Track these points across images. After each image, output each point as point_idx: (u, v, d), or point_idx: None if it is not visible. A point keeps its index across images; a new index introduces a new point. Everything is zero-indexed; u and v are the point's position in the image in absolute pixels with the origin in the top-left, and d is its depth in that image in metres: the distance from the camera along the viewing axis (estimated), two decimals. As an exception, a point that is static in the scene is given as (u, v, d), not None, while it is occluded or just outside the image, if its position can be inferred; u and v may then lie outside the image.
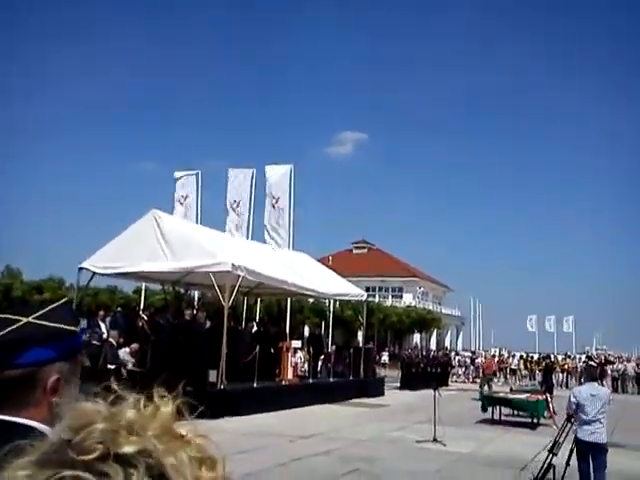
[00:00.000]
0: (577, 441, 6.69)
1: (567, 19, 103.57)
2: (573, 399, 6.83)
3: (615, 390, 29.72)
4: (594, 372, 7.45)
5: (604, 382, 30.40)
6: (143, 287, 23.56)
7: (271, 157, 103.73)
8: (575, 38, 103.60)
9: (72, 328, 1.21)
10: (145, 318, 14.42)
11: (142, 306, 20.19)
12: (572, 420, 6.79)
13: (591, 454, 6.62)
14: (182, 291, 19.91)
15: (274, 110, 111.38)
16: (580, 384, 17.11)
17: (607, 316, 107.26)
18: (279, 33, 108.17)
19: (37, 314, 1.17)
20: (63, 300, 1.27)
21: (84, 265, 14.76)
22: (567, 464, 6.75)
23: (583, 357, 37.37)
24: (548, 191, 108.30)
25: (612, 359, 35.77)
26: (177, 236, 14.36)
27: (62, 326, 1.18)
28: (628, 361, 33.08)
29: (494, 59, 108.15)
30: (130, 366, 12.20)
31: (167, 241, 14.09)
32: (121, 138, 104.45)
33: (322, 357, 20.04)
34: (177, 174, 23.87)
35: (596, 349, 58.96)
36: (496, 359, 29.64)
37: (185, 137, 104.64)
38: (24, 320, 1.15)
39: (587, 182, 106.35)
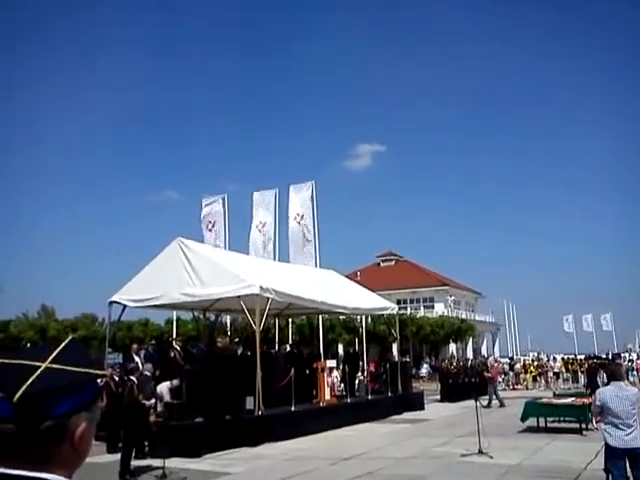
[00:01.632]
0: (609, 448, 6.23)
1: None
2: (598, 402, 6.39)
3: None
4: (619, 371, 6.96)
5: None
6: (174, 317, 23.66)
7: (290, 175, 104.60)
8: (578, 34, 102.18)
9: (99, 372, 1.14)
10: (177, 348, 14.38)
11: (174, 336, 20.23)
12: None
13: (628, 461, 6.14)
14: (213, 318, 19.91)
15: (290, 128, 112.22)
16: (595, 384, 16.61)
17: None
18: (293, 46, 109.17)
19: (51, 357, 1.09)
20: (69, 339, 1.19)
21: (114, 299, 14.85)
22: (606, 471, 6.41)
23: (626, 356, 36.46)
24: (574, 186, 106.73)
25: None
26: (204, 262, 14.37)
27: (88, 370, 1.11)
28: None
29: (509, 60, 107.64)
30: (167, 399, 12.15)
31: (194, 268, 14.11)
32: (139, 168, 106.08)
33: (359, 375, 19.81)
34: (205, 201, 24.06)
35: (639, 345, 57.45)
36: (499, 365, 28.96)
37: (203, 163, 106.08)
38: (43, 366, 1.08)
39: (614, 175, 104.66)
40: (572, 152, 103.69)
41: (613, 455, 6.27)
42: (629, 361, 31.91)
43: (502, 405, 20.45)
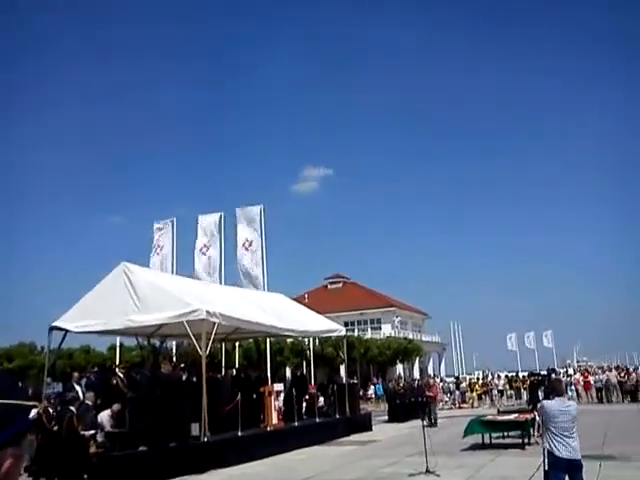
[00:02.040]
0: (554, 459, 6.48)
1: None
2: (543, 413, 6.69)
3: (600, 400, 29.82)
4: (560, 386, 7.31)
5: (589, 394, 30.63)
6: (117, 343, 23.07)
7: (238, 199, 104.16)
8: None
9: (27, 404, 1.08)
10: (121, 375, 13.99)
11: (117, 363, 19.68)
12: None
13: (568, 472, 6.43)
14: (158, 343, 19.48)
15: (238, 152, 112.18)
16: (536, 399, 17.08)
17: (585, 328, 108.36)
18: (242, 72, 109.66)
19: None
20: None
21: (56, 324, 14.35)
22: None
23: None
24: (517, 206, 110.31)
25: (594, 370, 35.97)
26: (148, 287, 14.10)
27: (15, 402, 1.05)
28: (610, 370, 33.19)
29: (453, 82, 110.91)
30: (108, 428, 11.75)
31: (138, 294, 13.83)
32: (84, 192, 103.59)
33: (306, 397, 19.68)
34: (156, 225, 23.70)
35: (577, 361, 59.35)
36: (438, 383, 29.57)
37: (150, 187, 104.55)
38: None
39: (556, 197, 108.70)
40: (509, 172, 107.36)
41: (557, 467, 6.48)
42: (567, 376, 32.85)
43: (435, 425, 20.56)
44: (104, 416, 12.02)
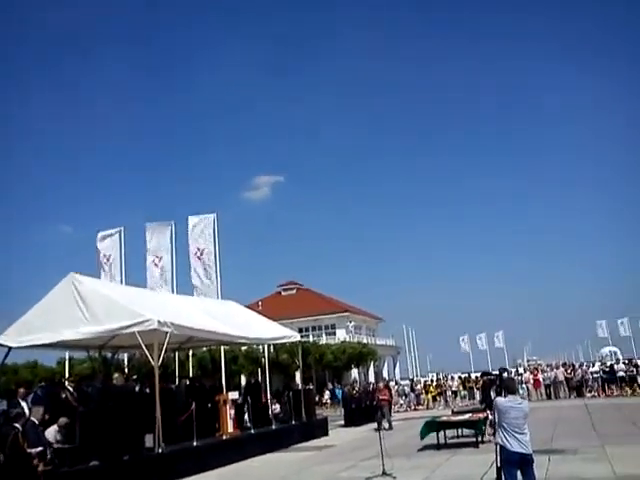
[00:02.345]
0: (507, 454, 6.68)
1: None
2: (497, 410, 6.88)
3: (548, 397, 30.68)
4: (513, 385, 7.53)
5: (539, 391, 31.46)
6: (67, 357, 22.44)
7: (190, 207, 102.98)
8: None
9: None
10: (70, 389, 13.58)
11: (67, 376, 19.13)
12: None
13: (520, 466, 6.65)
14: (109, 355, 19.05)
15: (189, 160, 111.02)
16: (489, 398, 17.43)
17: (534, 328, 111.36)
18: (192, 78, 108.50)
19: None
20: None
21: (-2, 340, 13.83)
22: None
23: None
24: (467, 209, 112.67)
25: (543, 368, 36.97)
26: (98, 298, 13.74)
27: None
28: (557, 368, 34.18)
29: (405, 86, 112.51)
30: (56, 444, 11.35)
31: (88, 305, 13.46)
32: (29, 201, 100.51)
33: (261, 405, 19.57)
34: (100, 234, 23.11)
35: (527, 360, 60.88)
36: (391, 386, 29.84)
37: (99, 196, 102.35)
38: None
39: (501, 202, 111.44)
40: (459, 171, 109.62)
41: (509, 462, 6.69)
42: (518, 375, 33.66)
43: (380, 428, 20.68)
44: (51, 432, 11.62)
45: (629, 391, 29.35)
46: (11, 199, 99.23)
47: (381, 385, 24.77)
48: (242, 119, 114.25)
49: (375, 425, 19.23)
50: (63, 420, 11.75)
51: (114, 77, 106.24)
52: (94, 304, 13.47)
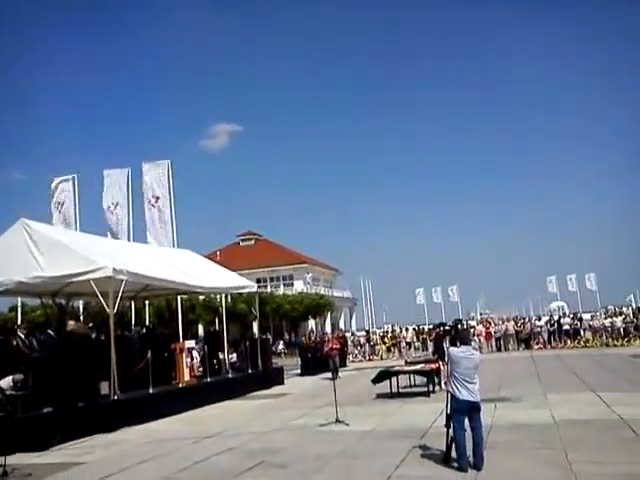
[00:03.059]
0: (457, 402, 6.98)
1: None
2: (450, 360, 7.16)
3: (499, 349, 31.79)
4: (467, 336, 7.76)
5: (490, 343, 32.53)
6: (19, 303, 21.99)
7: (145, 155, 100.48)
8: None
9: None
10: (22, 336, 13.35)
11: (19, 323, 18.79)
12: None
13: (468, 413, 6.98)
14: (63, 302, 18.74)
15: (144, 106, 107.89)
16: (441, 350, 17.94)
17: (487, 282, 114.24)
18: (153, 26, 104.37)
19: None
20: None
21: (-55, 286, 13.43)
22: (447, 427, 7.08)
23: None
24: (423, 159, 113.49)
25: (495, 321, 38.12)
26: (51, 244, 13.42)
27: None
28: (508, 321, 35.33)
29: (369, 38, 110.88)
30: (10, 391, 11.19)
31: (40, 251, 13.15)
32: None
33: (220, 354, 19.72)
34: (53, 180, 22.37)
35: (480, 314, 62.61)
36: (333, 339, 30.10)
37: (52, 141, 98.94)
38: None
39: (461, 155, 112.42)
40: (416, 124, 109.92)
41: (458, 410, 6.99)
42: (471, 327, 34.63)
43: (334, 377, 21.20)
44: (4, 382, 11.43)
45: (572, 343, 30.68)
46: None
47: (330, 336, 25.17)
48: (203, 65, 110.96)
49: (328, 374, 19.65)
50: (18, 376, 11.55)
51: (69, 19, 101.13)
52: (47, 250, 13.17)
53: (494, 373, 18.35)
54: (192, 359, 16.83)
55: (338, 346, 23.24)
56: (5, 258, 13.17)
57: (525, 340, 31.95)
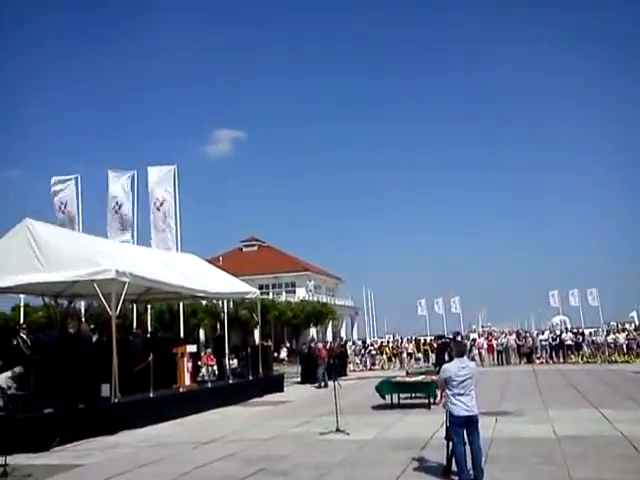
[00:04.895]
0: (452, 417, 6.87)
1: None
2: (443, 375, 7.01)
3: (500, 362, 31.68)
4: (463, 347, 7.69)
5: (491, 356, 32.43)
6: (22, 303, 22.04)
7: (148, 158, 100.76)
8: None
9: None
10: (23, 336, 13.35)
11: (21, 323, 18.80)
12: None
13: (466, 427, 6.83)
14: (65, 304, 18.75)
15: (146, 110, 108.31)
16: (442, 361, 17.89)
17: (489, 295, 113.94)
18: (152, 29, 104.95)
19: None
20: None
21: (-50, 285, 13.45)
22: (447, 439, 7.04)
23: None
24: (427, 173, 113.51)
25: (496, 334, 38.00)
26: (55, 245, 13.45)
27: None
28: (510, 334, 35.22)
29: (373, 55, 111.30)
30: (10, 390, 11.21)
31: (43, 251, 13.15)
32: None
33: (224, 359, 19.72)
34: (54, 179, 22.41)
35: (482, 326, 62.47)
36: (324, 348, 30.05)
37: (55, 142, 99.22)
38: None
39: (460, 168, 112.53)
40: (424, 133, 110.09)
41: (456, 423, 6.89)
42: (472, 340, 34.52)
43: (326, 386, 21.25)
44: (3, 378, 11.46)
45: (574, 358, 30.55)
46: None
47: (320, 345, 25.24)
48: (207, 70, 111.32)
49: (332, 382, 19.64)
50: (18, 369, 11.58)
51: (70, 21, 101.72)
52: (50, 250, 13.19)
53: (495, 386, 18.29)
54: (193, 364, 16.78)
55: (324, 355, 23.37)
56: (8, 258, 13.17)
57: (527, 354, 31.84)
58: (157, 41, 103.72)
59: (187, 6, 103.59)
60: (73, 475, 8.52)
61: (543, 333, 35.56)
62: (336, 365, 25.64)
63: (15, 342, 13.08)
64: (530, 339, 33.17)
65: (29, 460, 9.42)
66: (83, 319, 19.80)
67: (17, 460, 9.08)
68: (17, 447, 9.65)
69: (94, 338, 14.46)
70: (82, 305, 21.62)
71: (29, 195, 69.74)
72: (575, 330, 35.93)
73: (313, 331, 52.02)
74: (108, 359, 12.52)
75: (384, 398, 14.73)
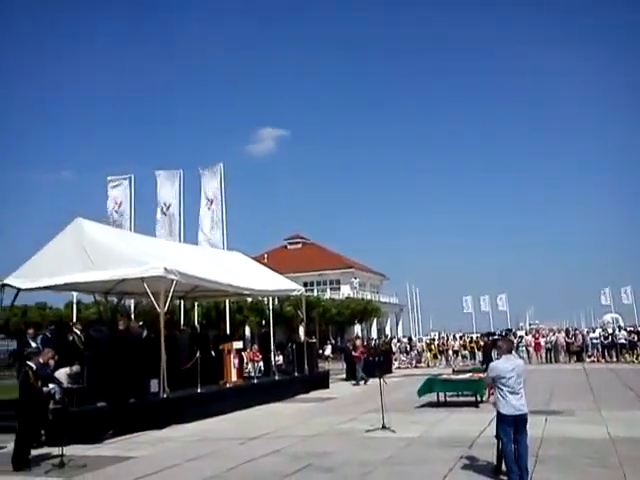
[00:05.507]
0: (501, 416, 6.75)
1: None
2: (491, 374, 6.88)
3: (549, 360, 31.00)
4: (508, 345, 7.53)
5: (539, 354, 31.77)
6: (74, 299, 22.66)
7: (193, 160, 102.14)
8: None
9: None
10: (77, 332, 13.78)
11: (75, 320, 19.40)
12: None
13: (515, 427, 6.69)
14: (115, 301, 19.25)
15: (189, 110, 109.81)
16: (490, 359, 17.57)
17: (538, 292, 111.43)
18: (196, 30, 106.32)
19: None
20: None
21: (7, 281, 13.97)
22: (497, 438, 6.92)
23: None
24: (477, 168, 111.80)
25: (544, 332, 37.18)
26: (105, 244, 13.81)
27: None
28: (559, 332, 34.40)
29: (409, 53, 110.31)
30: (66, 384, 11.61)
31: (95, 250, 13.51)
32: (32, 148, 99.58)
33: (270, 356, 19.90)
34: (109, 178, 23.00)
35: (529, 324, 61.23)
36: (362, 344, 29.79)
37: (105, 143, 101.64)
38: None
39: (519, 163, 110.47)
40: (471, 136, 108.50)
41: (504, 422, 6.76)
42: (519, 337, 33.88)
43: (366, 382, 21.69)
44: (61, 374, 11.86)
45: (628, 358, 29.60)
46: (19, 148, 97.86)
47: (358, 342, 25.18)
48: (251, 69, 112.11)
49: (374, 379, 19.59)
50: (76, 367, 11.96)
51: (115, 22, 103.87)
52: (101, 249, 13.53)
53: (544, 385, 17.91)
54: (239, 360, 16.97)
55: (360, 353, 23.44)
56: (61, 256, 13.58)
57: (577, 353, 31.04)
58: (200, 40, 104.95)
59: (232, 3, 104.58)
60: (126, 467, 8.75)
61: (594, 331, 34.62)
62: (381, 362, 25.59)
63: (71, 338, 13.53)
64: (580, 337, 32.32)
65: (84, 451, 9.73)
66: (132, 316, 20.32)
67: (73, 451, 9.40)
68: (72, 438, 10.00)
69: (143, 334, 14.80)
70: (131, 302, 22.15)
71: (84, 196, 71.58)
72: (630, 328, 34.82)
73: (358, 328, 51.95)
74: (156, 355, 12.78)
75: (420, 395, 14.43)
